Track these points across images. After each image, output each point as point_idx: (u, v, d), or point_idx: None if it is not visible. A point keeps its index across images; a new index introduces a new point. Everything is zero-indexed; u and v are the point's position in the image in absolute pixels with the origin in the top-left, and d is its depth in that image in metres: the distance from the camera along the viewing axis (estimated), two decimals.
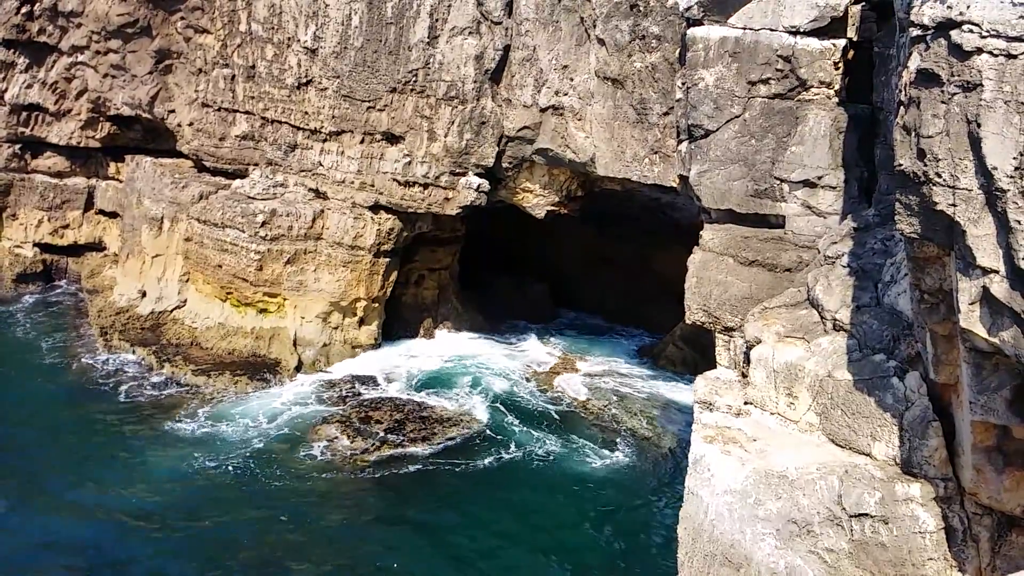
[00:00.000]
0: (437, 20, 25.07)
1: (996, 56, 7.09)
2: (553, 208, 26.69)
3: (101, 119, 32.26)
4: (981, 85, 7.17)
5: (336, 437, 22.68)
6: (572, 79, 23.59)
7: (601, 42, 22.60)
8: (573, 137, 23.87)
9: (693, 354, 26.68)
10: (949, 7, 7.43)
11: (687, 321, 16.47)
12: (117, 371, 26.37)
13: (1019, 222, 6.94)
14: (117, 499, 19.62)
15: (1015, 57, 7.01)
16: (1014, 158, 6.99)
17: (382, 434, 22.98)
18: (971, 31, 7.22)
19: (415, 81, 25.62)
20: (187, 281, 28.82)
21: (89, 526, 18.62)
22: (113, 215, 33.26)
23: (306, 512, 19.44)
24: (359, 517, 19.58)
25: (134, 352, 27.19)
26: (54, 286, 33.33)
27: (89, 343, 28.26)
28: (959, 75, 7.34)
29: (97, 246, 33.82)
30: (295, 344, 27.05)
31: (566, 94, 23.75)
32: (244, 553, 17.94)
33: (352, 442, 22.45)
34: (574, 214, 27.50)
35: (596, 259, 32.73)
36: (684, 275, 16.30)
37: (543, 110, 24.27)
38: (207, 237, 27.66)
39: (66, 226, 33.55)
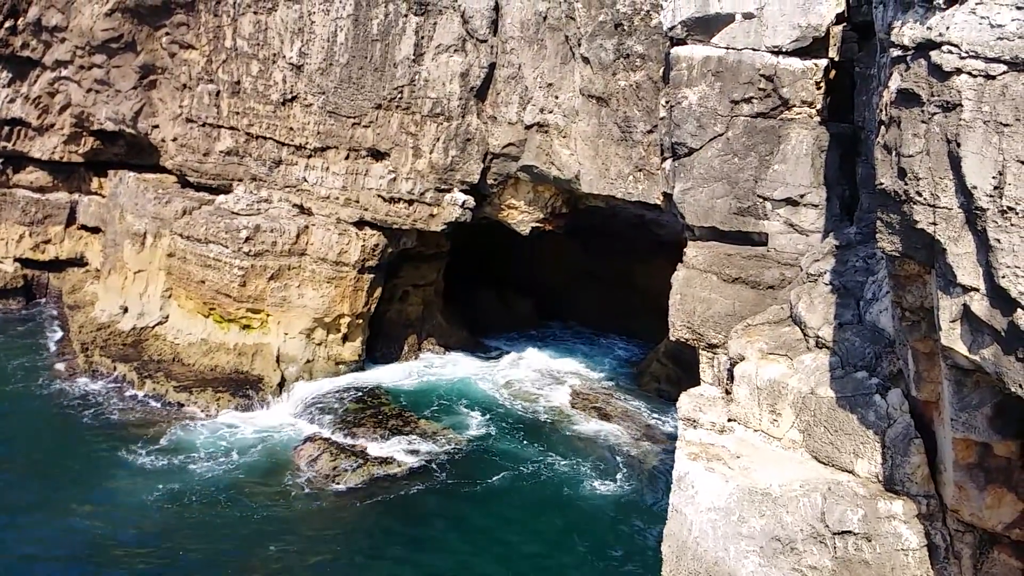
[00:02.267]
0: (423, 37, 25.16)
1: (975, 77, 7.17)
2: (538, 224, 26.75)
3: (84, 134, 32.09)
4: (960, 105, 7.25)
5: (319, 456, 22.48)
6: (557, 97, 23.70)
7: (586, 60, 22.74)
8: (558, 154, 23.95)
9: (677, 371, 26.72)
10: (929, 28, 7.52)
11: (671, 338, 16.50)
12: (97, 388, 26.07)
13: (999, 241, 7.00)
14: (89, 526, 19.13)
15: (993, 78, 7.09)
16: (993, 177, 7.06)
17: (366, 451, 22.82)
18: (950, 52, 7.31)
19: (400, 98, 25.67)
20: (169, 297, 28.62)
21: (61, 553, 18.18)
22: (95, 230, 33.03)
23: (288, 535, 19.19)
24: (343, 538, 19.38)
25: (115, 368, 26.91)
26: (35, 302, 33.01)
27: (69, 359, 27.95)
28: (939, 95, 7.41)
29: (79, 261, 33.54)
30: (278, 360, 26.87)
31: (551, 112, 23.85)
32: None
33: (335, 460, 22.26)
34: (559, 230, 27.56)
35: (581, 275, 32.80)
36: (668, 291, 16.36)
37: (528, 127, 24.36)
38: (190, 253, 27.49)
39: (48, 241, 33.26)
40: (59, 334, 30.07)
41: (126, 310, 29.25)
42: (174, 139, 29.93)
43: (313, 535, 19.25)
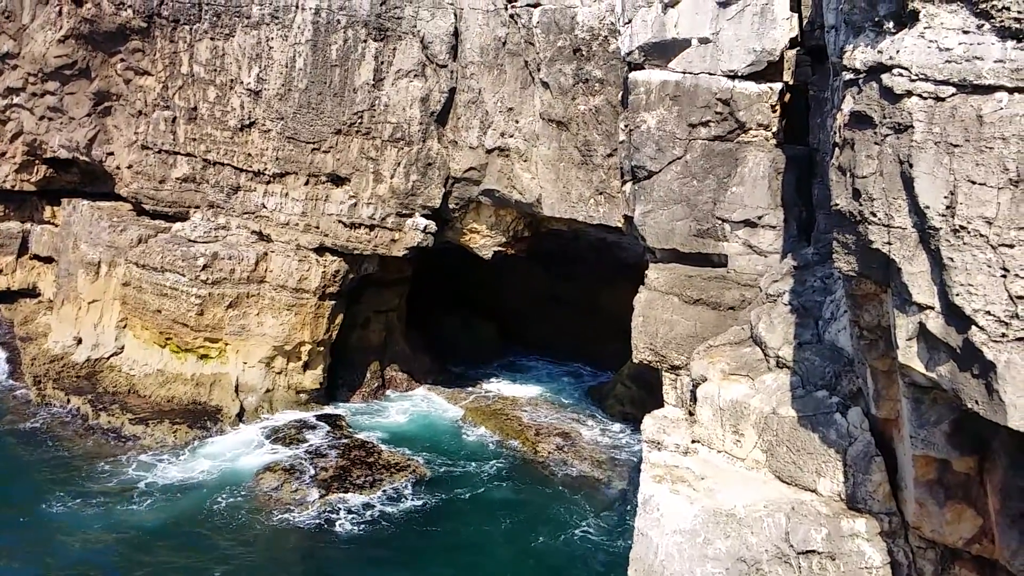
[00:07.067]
0: (382, 63, 25.15)
1: (925, 99, 7.30)
2: (500, 248, 26.72)
3: (37, 162, 31.47)
4: (912, 127, 7.36)
5: (279, 487, 22.07)
6: (517, 121, 23.80)
7: (545, 85, 22.89)
8: (519, 178, 24.01)
9: (641, 393, 26.76)
10: (880, 51, 7.66)
11: (634, 360, 16.50)
12: (49, 422, 25.34)
13: (952, 259, 7.09)
14: (40, 559, 18.62)
15: (943, 100, 7.22)
16: (945, 197, 7.17)
17: (327, 482, 22.45)
18: (901, 75, 7.44)
19: (360, 123, 25.58)
20: (124, 327, 28.02)
21: None
22: (48, 260, 32.33)
23: (243, 564, 18.76)
24: (298, 569, 19.00)
25: (69, 401, 26.21)
26: None
27: (21, 393, 27.16)
28: (891, 117, 7.53)
29: (31, 292, 32.81)
30: (237, 390, 26.40)
31: (512, 136, 23.94)
32: None
33: (295, 491, 21.86)
34: (521, 254, 27.56)
35: (545, 298, 32.81)
36: (631, 313, 16.38)
37: (489, 151, 24.40)
38: (146, 281, 26.99)
39: None
40: (10, 367, 29.25)
41: (80, 341, 28.57)
42: (129, 166, 29.46)
43: (268, 564, 18.84)
